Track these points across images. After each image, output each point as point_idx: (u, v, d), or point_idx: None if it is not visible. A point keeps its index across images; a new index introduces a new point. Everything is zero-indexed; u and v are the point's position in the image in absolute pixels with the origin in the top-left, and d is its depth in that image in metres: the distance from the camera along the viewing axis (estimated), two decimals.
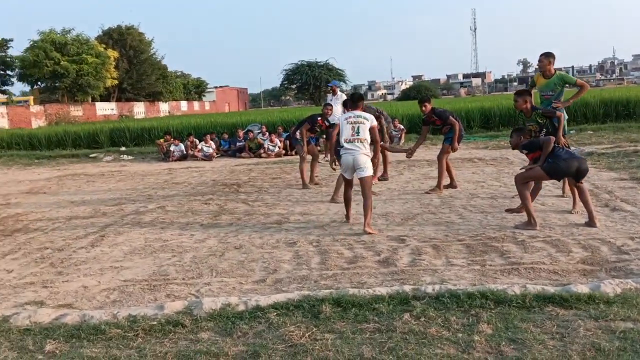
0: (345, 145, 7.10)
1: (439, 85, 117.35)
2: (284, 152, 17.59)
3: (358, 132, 7.06)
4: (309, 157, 11.00)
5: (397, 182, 10.66)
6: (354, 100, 7.66)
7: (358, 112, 7.31)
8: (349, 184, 7.41)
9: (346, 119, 7.26)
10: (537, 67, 8.38)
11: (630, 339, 3.50)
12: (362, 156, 7.02)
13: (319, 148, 16.16)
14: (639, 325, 3.69)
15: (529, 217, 6.67)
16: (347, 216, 7.55)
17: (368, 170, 7.03)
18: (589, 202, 6.69)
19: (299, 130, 10.89)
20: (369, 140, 7.14)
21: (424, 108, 9.55)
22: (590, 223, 6.58)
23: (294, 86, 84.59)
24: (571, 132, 18.19)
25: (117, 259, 6.28)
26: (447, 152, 9.49)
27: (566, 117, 8.14)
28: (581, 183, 6.81)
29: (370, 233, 6.74)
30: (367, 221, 6.84)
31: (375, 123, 7.26)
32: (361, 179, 7.02)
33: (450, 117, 9.42)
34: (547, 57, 8.05)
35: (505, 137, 18.23)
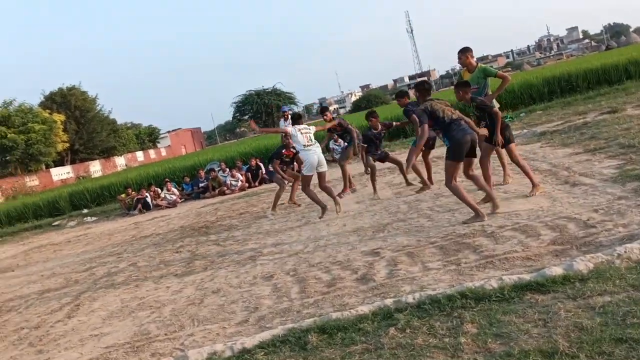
0: (309, 147, 9.28)
1: (387, 91, 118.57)
2: (247, 185, 17.54)
3: (311, 140, 9.40)
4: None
5: (363, 195, 10.71)
6: (295, 118, 10.56)
7: (304, 125, 9.74)
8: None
9: (299, 130, 9.40)
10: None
11: (610, 312, 3.56)
12: (322, 155, 9.49)
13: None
14: (616, 297, 3.77)
15: (474, 210, 6.81)
16: (323, 208, 9.17)
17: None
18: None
19: (270, 166, 12.07)
20: None
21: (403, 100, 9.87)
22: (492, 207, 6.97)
23: (246, 117, 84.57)
24: (521, 114, 18.61)
25: (95, 327, 6.16)
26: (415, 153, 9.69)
27: (498, 105, 8.43)
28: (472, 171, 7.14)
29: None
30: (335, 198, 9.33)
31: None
32: (322, 173, 9.42)
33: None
34: (464, 52, 8.42)
35: None
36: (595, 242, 5.13)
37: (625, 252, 4.45)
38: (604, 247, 4.88)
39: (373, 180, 10.19)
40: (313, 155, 9.24)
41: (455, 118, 6.91)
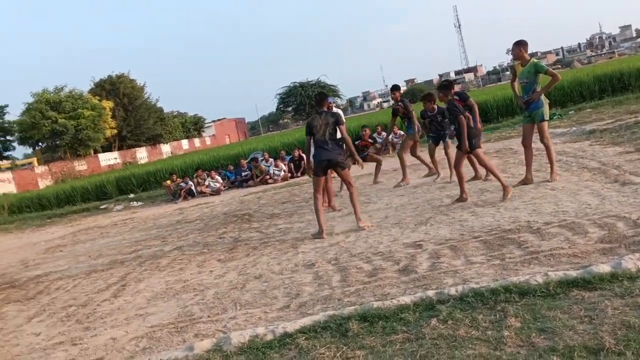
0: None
1: (432, 86, 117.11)
2: (289, 175, 17.66)
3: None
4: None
5: (405, 188, 10.67)
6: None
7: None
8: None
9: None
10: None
11: None
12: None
13: None
14: None
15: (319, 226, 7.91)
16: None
17: None
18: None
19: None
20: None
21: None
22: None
23: (289, 109, 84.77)
24: (570, 112, 18.23)
25: (141, 306, 6.32)
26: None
27: (545, 101, 8.43)
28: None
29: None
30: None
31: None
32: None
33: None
34: (518, 45, 8.42)
35: (506, 127, 18.25)
36: None
37: None
38: None
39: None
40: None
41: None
